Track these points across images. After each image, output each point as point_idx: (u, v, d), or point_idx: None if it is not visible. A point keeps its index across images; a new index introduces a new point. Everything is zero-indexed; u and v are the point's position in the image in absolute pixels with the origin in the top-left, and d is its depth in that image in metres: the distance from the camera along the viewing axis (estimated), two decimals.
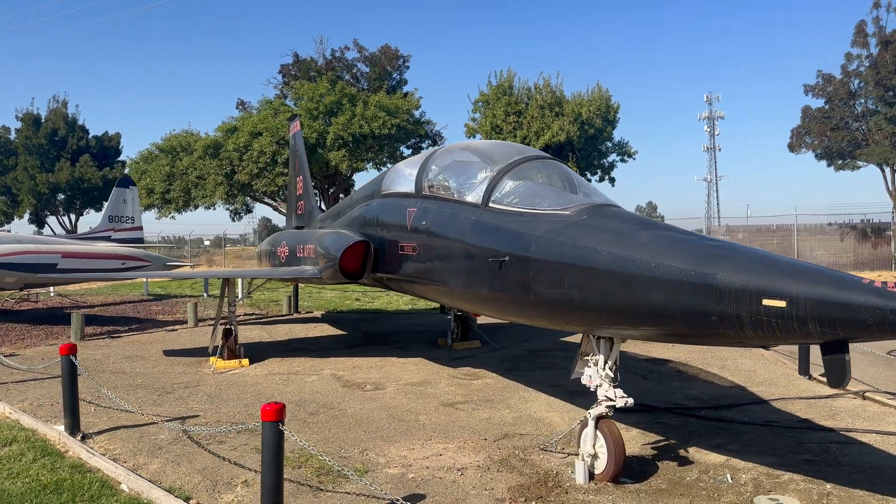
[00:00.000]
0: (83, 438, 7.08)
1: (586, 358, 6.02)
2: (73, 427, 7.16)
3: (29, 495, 5.66)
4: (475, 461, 6.39)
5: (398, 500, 5.12)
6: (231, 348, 11.32)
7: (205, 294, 25.03)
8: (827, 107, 29.97)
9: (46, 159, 52.24)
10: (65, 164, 52.62)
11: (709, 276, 4.47)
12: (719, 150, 72.21)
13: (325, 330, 15.43)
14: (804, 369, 9.78)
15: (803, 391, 8.96)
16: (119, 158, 58.04)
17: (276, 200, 41.45)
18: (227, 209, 44.73)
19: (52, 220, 55.79)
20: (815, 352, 10.94)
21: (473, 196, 7.08)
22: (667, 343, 5.43)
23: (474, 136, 35.76)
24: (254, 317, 18.05)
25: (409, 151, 40.16)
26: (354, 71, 40.77)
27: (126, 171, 55.90)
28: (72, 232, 53.70)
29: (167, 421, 7.69)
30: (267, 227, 69.34)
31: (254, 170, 34.18)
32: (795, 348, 10.14)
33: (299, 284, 19.06)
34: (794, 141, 30.84)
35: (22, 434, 7.29)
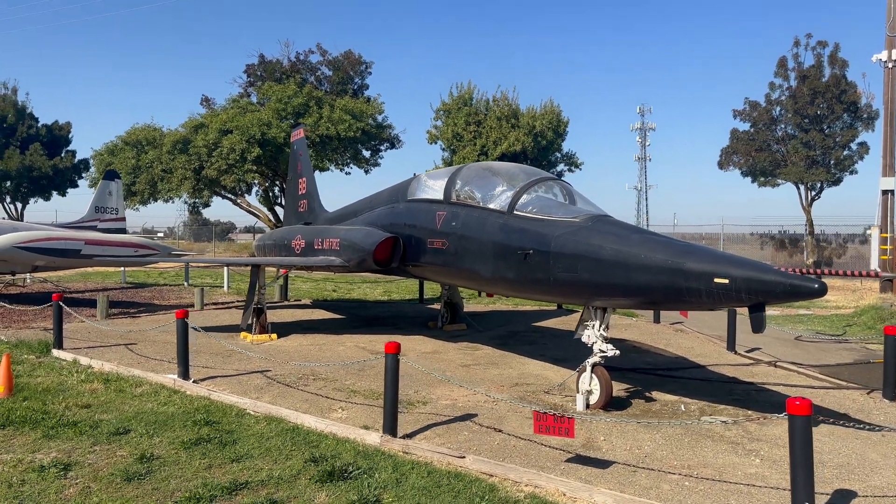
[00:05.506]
0: (195, 382, 9.13)
1: (586, 323, 8.48)
2: (185, 374, 9.19)
3: (185, 414, 7.73)
4: (502, 398, 8.76)
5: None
6: (263, 325, 13.38)
7: (185, 283, 26.57)
8: (752, 130, 33.80)
9: None
10: (14, 152, 52.38)
11: (680, 264, 6.97)
12: (649, 160, 78.86)
13: (324, 315, 17.52)
14: (731, 346, 12.54)
15: (731, 361, 11.68)
16: (69, 148, 57.93)
17: (236, 196, 42.83)
18: (186, 203, 45.87)
19: None
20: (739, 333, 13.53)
21: (499, 205, 9.44)
22: (646, 310, 7.74)
23: (436, 143, 38.21)
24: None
25: (369, 153, 42.33)
26: (318, 74, 42.55)
27: (75, 160, 56.17)
28: (17, 220, 53.45)
29: (250, 373, 9.80)
30: (198, 222, 69.91)
31: (223, 166, 35.65)
32: (724, 332, 12.92)
33: (289, 275, 21.00)
34: (724, 159, 34.59)
35: (142, 379, 9.29)
